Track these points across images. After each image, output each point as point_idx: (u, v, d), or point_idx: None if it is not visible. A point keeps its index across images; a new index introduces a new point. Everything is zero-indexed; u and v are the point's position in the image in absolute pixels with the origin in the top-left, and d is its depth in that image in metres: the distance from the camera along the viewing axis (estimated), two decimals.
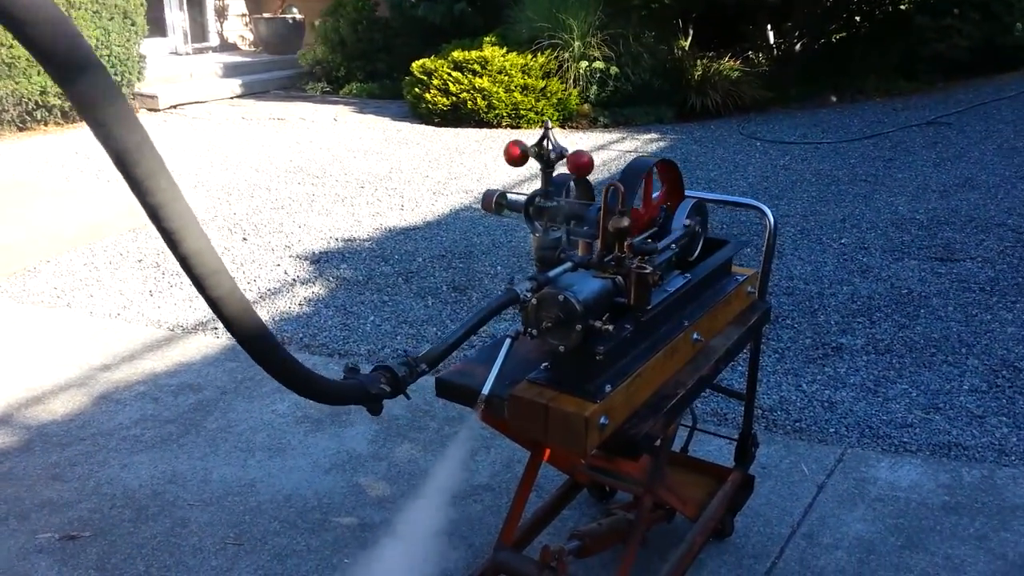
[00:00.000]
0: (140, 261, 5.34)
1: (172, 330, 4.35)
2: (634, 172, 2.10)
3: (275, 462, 3.17)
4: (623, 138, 8.80)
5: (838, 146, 8.02)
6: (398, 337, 4.24)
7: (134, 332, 4.33)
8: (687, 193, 2.39)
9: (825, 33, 10.92)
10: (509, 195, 1.81)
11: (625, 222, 1.54)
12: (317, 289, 4.85)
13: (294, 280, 4.98)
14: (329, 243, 5.61)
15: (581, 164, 1.66)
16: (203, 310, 4.59)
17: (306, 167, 7.68)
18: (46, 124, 9.60)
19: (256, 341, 1.16)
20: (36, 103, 9.31)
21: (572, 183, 2.28)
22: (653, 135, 8.85)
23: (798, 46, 10.63)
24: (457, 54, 9.52)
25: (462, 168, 7.58)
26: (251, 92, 12.02)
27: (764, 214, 2.46)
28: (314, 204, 6.50)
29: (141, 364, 3.95)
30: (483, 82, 9.20)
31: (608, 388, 1.69)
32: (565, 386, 1.70)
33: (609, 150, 8.24)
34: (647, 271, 1.53)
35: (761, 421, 3.43)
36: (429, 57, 9.90)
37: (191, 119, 10.25)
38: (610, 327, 1.58)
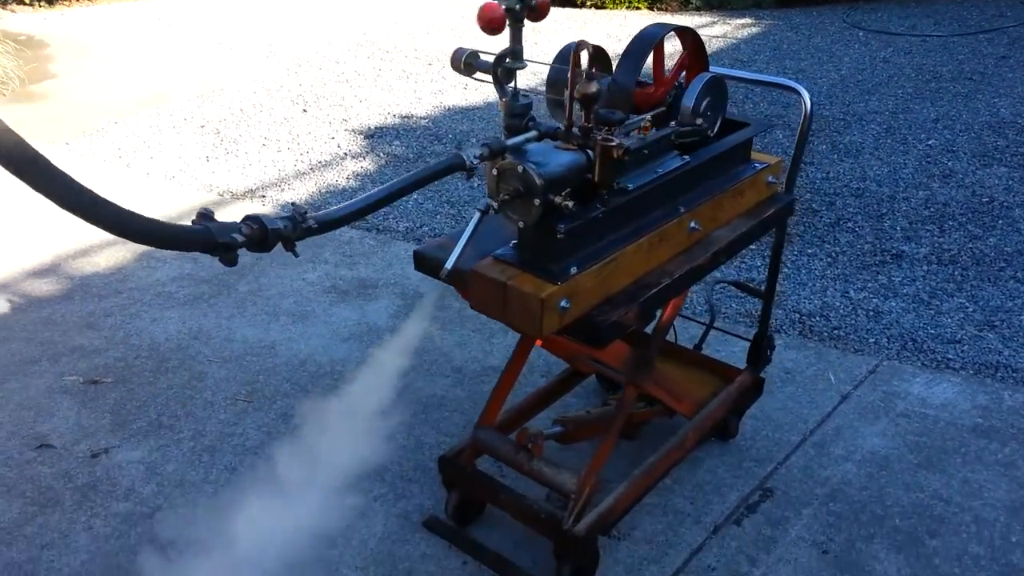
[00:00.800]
0: (202, 127, 5.41)
1: (222, 195, 4.42)
2: (642, 41, 1.92)
3: (297, 327, 3.22)
4: (714, 22, 8.26)
5: (948, 40, 7.32)
6: (438, 216, 4.19)
7: (185, 194, 4.41)
8: (711, 69, 2.19)
9: None
10: (481, 55, 1.67)
11: (593, 87, 1.40)
12: (367, 164, 4.82)
13: (345, 154, 4.95)
14: (386, 119, 5.53)
15: (489, 18, 1.49)
16: (254, 177, 4.63)
17: (378, 41, 7.53)
18: None
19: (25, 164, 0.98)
20: None
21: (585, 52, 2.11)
22: (747, 20, 8.27)
23: None
24: None
25: (535, 49, 7.28)
26: None
27: (799, 95, 2.23)
28: (379, 79, 6.40)
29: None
30: None
31: (573, 270, 1.58)
32: (528, 265, 1.60)
33: None
34: (612, 144, 1.39)
35: (797, 326, 3.26)
36: None
37: None
38: (570, 203, 1.47)
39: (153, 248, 3.95)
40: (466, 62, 1.64)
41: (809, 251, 3.83)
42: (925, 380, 2.93)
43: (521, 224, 1.55)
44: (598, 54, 2.14)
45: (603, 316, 1.64)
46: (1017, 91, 5.85)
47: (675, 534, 2.28)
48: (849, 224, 4.07)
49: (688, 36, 2.04)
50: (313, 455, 2.39)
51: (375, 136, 5.21)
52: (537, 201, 1.48)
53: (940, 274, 3.61)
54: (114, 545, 2.23)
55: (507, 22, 1.52)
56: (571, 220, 1.52)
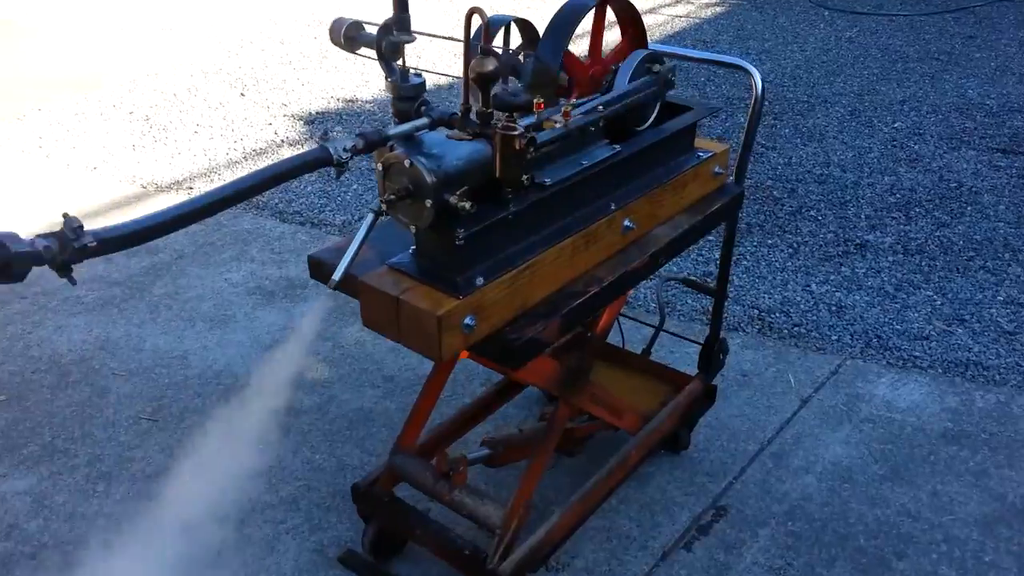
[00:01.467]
0: (131, 113, 5.07)
1: (145, 187, 4.11)
2: (566, 14, 1.68)
3: (214, 334, 2.95)
4: (677, 1, 8.02)
5: (915, 19, 7.15)
6: None
7: (106, 187, 4.10)
8: (651, 46, 1.95)
9: None
10: (366, 26, 1.42)
11: (489, 66, 1.16)
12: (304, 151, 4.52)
13: (283, 141, 4.65)
14: (329, 103, 5.23)
15: None
16: (181, 168, 4.33)
17: (326, 21, 7.18)
18: None
19: None
20: None
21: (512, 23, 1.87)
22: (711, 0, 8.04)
23: None
24: None
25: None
26: None
27: (749, 75, 2.01)
28: (324, 61, 6.08)
29: (103, 222, 3.66)
30: None
31: (480, 281, 1.35)
32: (427, 275, 1.36)
33: (658, 14, 7.51)
34: (513, 132, 1.15)
35: (756, 323, 3.06)
36: None
37: None
38: (467, 204, 1.23)
39: None
40: (346, 35, 1.39)
41: (769, 242, 3.63)
42: (891, 380, 2.74)
43: (413, 229, 1.31)
44: (525, 28, 1.90)
45: (517, 333, 1.41)
46: (984, 72, 5.69)
47: (620, 563, 2.06)
48: (811, 212, 3.88)
49: (620, 7, 1.80)
50: (218, 480, 2.15)
51: (315, 122, 4.92)
52: (428, 202, 1.23)
53: (906, 265, 3.42)
54: None
55: None
56: (472, 224, 1.28)
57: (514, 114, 1.17)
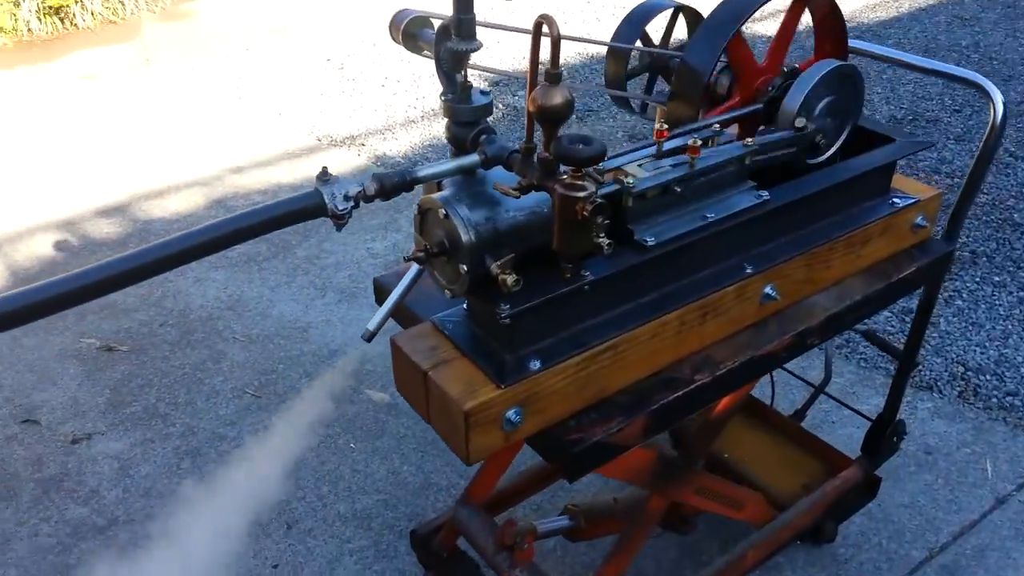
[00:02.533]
0: (328, 60, 5.09)
1: (319, 140, 4.08)
2: (735, 4, 1.28)
3: (340, 308, 2.82)
4: None
5: None
6: None
7: (283, 136, 4.11)
8: (854, 44, 1.51)
9: None
10: (435, 21, 1.09)
11: (557, 98, 0.82)
12: None
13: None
14: (520, 62, 4.97)
15: None
16: (359, 122, 4.26)
17: None
18: None
19: None
20: None
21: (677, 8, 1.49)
22: None
23: None
24: None
25: None
26: None
27: (988, 96, 1.49)
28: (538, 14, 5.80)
29: (271, 172, 3.73)
30: None
31: (534, 365, 1.02)
32: (471, 345, 1.06)
33: None
34: (578, 195, 0.81)
35: (957, 383, 2.48)
36: None
37: None
38: (511, 279, 0.90)
39: (228, 194, 3.71)
40: (407, 31, 1.08)
41: (996, 279, 2.96)
42: None
43: (448, 293, 1.01)
44: (694, 21, 1.51)
45: (580, 433, 1.08)
46: None
47: None
48: None
49: (819, 3, 1.37)
50: (297, 479, 2.01)
51: (502, 83, 4.68)
52: (464, 267, 0.93)
53: None
54: (50, 563, 1.95)
55: None
56: (521, 300, 0.96)
57: (590, 167, 0.82)
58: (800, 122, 1.22)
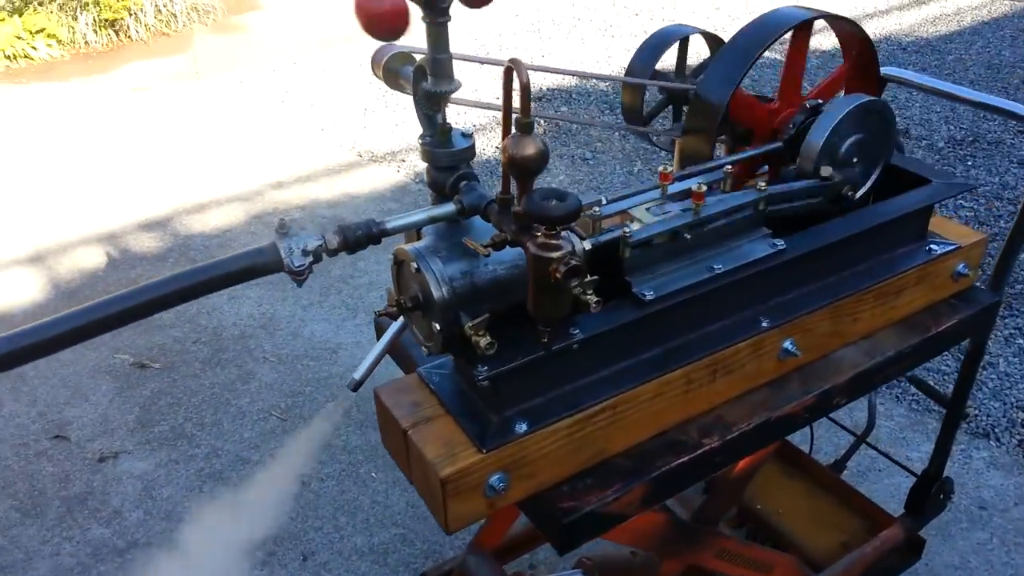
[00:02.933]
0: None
1: (360, 155, 4.07)
2: (757, 31, 1.20)
3: (371, 329, 2.79)
4: None
5: None
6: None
7: (324, 151, 4.12)
8: (888, 72, 1.42)
9: None
10: (418, 57, 1.04)
11: (528, 149, 0.75)
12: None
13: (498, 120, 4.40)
14: (563, 79, 4.90)
15: (372, 13, 0.82)
16: (400, 138, 4.25)
17: None
18: None
19: None
20: None
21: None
22: None
23: None
24: None
25: (767, 3, 6.24)
26: None
27: None
28: (573, 31, 5.74)
29: (311, 188, 3.74)
30: None
31: (521, 427, 0.96)
32: (455, 403, 1.00)
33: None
34: (551, 256, 0.74)
35: (1017, 432, 2.32)
36: None
37: None
38: (484, 341, 0.84)
39: (267, 210, 3.71)
40: (387, 68, 1.03)
41: None
42: None
43: (425, 350, 0.95)
44: (716, 47, 1.43)
45: (572, 501, 1.00)
46: None
47: None
48: None
49: (847, 30, 1.28)
50: (314, 508, 1.97)
51: (543, 98, 4.62)
52: (436, 325, 0.87)
53: None
54: None
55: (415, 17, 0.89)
56: (499, 363, 0.89)
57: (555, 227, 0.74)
58: (826, 171, 1.13)
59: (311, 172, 3.90)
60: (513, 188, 0.84)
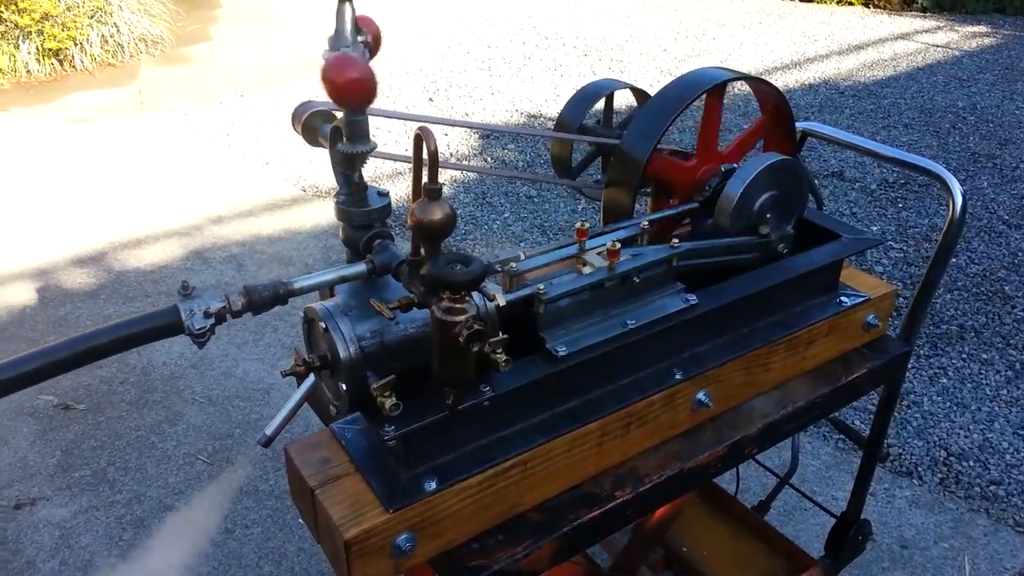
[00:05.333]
0: None
1: (304, 190, 4.05)
2: (677, 91, 1.24)
3: None
4: (938, 28, 6.97)
5: None
6: (523, 244, 3.59)
7: (268, 185, 4.09)
8: (805, 127, 1.47)
9: None
10: (336, 114, 1.05)
11: (436, 213, 0.76)
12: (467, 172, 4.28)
13: (451, 154, 4.44)
14: (512, 116, 4.96)
15: (342, 82, 0.84)
16: None
17: (540, 26, 6.94)
18: None
19: None
20: None
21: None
22: (980, 28, 6.91)
23: None
24: None
25: (711, 44, 6.42)
26: None
27: (947, 188, 1.43)
28: (523, 70, 5.82)
29: (252, 223, 3.70)
30: None
31: (430, 485, 0.95)
32: (365, 460, 0.99)
33: (911, 41, 6.55)
34: (454, 319, 0.75)
35: (939, 469, 2.39)
36: None
37: None
38: (390, 403, 0.84)
39: (206, 246, 3.66)
40: (307, 125, 1.04)
41: (984, 356, 2.87)
42: None
43: (333, 410, 0.94)
44: (642, 100, 1.48)
45: (480, 559, 1.00)
46: None
47: None
48: None
49: (763, 89, 1.32)
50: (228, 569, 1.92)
51: (491, 136, 4.67)
52: (343, 386, 0.86)
53: None
54: None
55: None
56: (405, 423, 0.89)
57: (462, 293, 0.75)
58: (764, 229, 1.17)
59: (253, 207, 3.86)
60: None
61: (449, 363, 0.80)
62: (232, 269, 3.31)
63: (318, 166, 4.31)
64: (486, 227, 3.69)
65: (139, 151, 4.45)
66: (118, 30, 5.79)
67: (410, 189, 1.10)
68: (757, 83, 1.33)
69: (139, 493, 2.25)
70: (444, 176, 4.19)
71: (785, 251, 1.26)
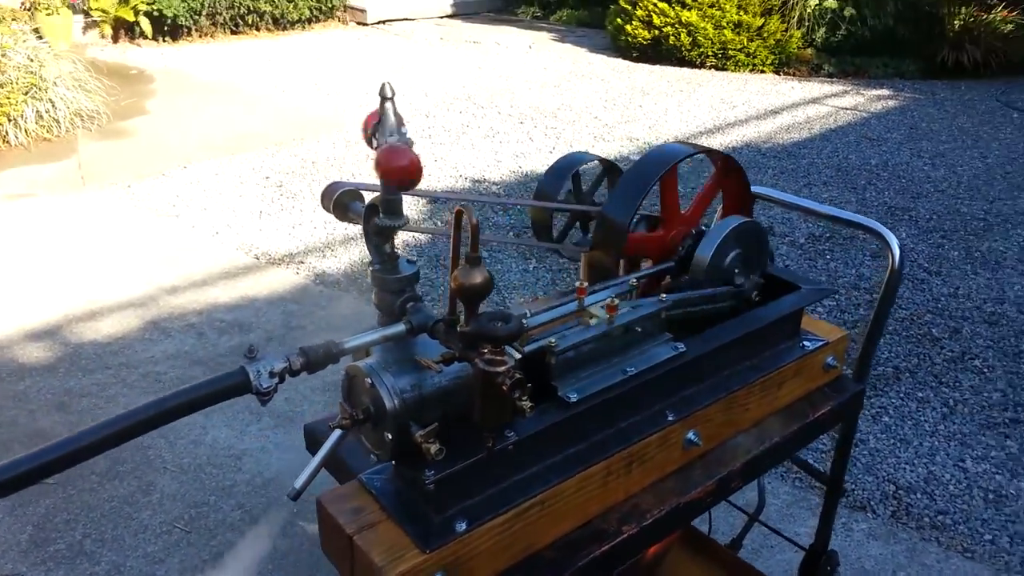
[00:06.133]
0: (267, 178, 5.16)
1: (258, 258, 4.10)
2: (649, 164, 1.38)
3: (276, 434, 2.78)
4: (845, 92, 7.48)
5: None
6: (532, 287, 3.71)
7: (220, 255, 4.12)
8: (757, 191, 1.62)
9: None
10: (363, 193, 1.17)
11: (477, 278, 0.87)
12: (417, 235, 4.40)
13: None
14: (457, 181, 5.11)
15: (395, 168, 0.96)
16: (299, 240, 4.30)
17: (475, 96, 7.19)
18: (256, 29, 9.83)
19: None
20: (248, 8, 9.53)
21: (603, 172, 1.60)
22: (884, 91, 7.44)
23: None
24: None
25: (638, 112, 6.75)
26: (462, 13, 11.69)
27: (886, 243, 1.60)
28: (463, 137, 6.02)
29: (208, 292, 3.72)
30: (690, 15, 8.15)
31: (461, 526, 1.03)
32: (397, 507, 1.07)
33: (822, 104, 7.01)
34: (497, 370, 0.85)
35: (890, 503, 2.54)
36: None
37: (392, 36, 10.10)
38: (435, 448, 0.93)
39: (163, 316, 3.66)
40: (338, 203, 1.14)
41: (920, 395, 3.08)
42: None
43: (375, 458, 1.03)
44: (611, 173, 1.62)
45: None
46: None
47: None
48: (976, 362, 3.28)
49: (721, 161, 1.47)
50: None
51: (437, 202, 4.80)
52: (388, 435, 0.95)
53: None
54: None
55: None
56: (445, 466, 0.98)
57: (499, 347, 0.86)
58: (740, 279, 1.31)
59: (207, 276, 3.88)
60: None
61: (490, 409, 0.90)
62: (192, 338, 3.32)
63: (268, 234, 4.36)
64: (442, 288, 3.78)
65: (85, 224, 4.43)
66: (53, 105, 5.77)
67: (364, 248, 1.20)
68: (716, 154, 1.49)
69: (119, 564, 2.23)
70: (398, 240, 4.29)
71: (757, 298, 1.40)
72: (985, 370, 3.23)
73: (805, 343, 1.47)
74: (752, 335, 1.35)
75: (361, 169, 5.34)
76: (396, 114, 1.03)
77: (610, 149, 5.76)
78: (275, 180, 5.12)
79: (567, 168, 1.58)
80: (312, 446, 1.38)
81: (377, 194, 1.01)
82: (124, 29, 8.88)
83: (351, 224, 1.17)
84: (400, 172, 0.99)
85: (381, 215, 1.00)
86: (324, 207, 1.17)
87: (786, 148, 5.83)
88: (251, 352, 0.90)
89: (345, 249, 4.21)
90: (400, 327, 0.99)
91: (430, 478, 0.97)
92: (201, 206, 4.72)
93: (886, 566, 2.30)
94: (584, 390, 1.13)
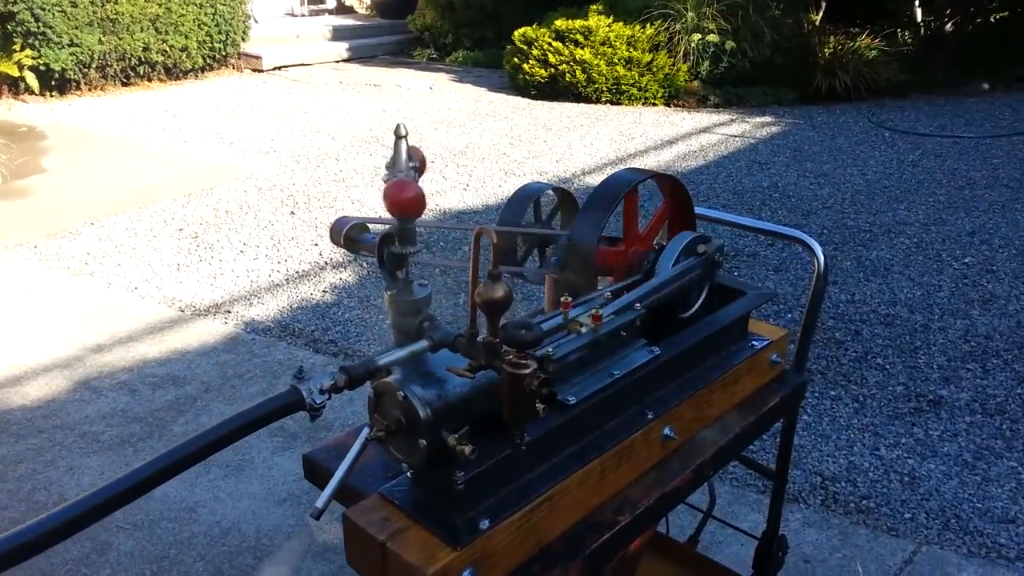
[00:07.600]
0: (181, 230, 5.10)
1: (183, 311, 4.04)
2: (608, 189, 1.52)
3: (228, 483, 2.77)
4: (732, 120, 7.97)
5: (981, 142, 6.93)
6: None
7: (143, 310, 4.05)
8: (699, 211, 1.79)
9: (984, 12, 9.55)
10: (370, 226, 1.27)
11: (499, 292, 0.98)
12: (346, 275, 4.44)
13: (326, 263, 4.59)
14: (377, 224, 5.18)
15: (400, 200, 1.09)
16: (223, 290, 4.27)
17: (383, 137, 7.29)
18: (149, 80, 9.66)
19: None
20: (139, 59, 9.36)
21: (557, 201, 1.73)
22: (767, 118, 7.97)
23: (950, 25, 9.34)
24: (560, 23, 8.87)
25: (544, 147, 7.00)
26: (358, 56, 11.81)
27: (812, 251, 1.81)
28: (376, 178, 6.10)
29: (135, 348, 3.65)
30: (584, 53, 8.53)
31: (484, 524, 1.13)
32: (423, 512, 1.15)
33: (712, 133, 7.45)
34: (524, 372, 0.97)
35: (819, 493, 2.75)
36: (534, 25, 9.29)
37: (290, 81, 10.10)
38: (468, 448, 1.03)
39: (92, 375, 3.59)
40: (348, 236, 1.24)
41: (832, 393, 3.34)
42: (973, 575, 2.39)
43: (406, 467, 1.11)
44: (565, 199, 1.76)
45: None
46: None
47: None
48: (878, 360, 3.59)
49: (668, 184, 1.64)
50: None
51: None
52: (423, 442, 1.04)
53: (986, 427, 3.09)
54: None
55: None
56: (474, 466, 1.08)
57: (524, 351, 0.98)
58: (701, 248, 1.46)
59: (132, 332, 3.81)
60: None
61: (519, 408, 1.01)
62: (125, 395, 3.26)
63: (190, 286, 4.31)
64: (376, 328, 3.84)
65: None
66: None
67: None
68: (664, 178, 1.65)
69: None
70: (325, 283, 4.32)
71: (721, 260, 1.56)
72: (887, 366, 3.53)
73: (754, 343, 1.64)
74: (713, 337, 1.51)
75: (276, 214, 5.34)
76: (407, 150, 1.14)
77: (521, 183, 5.95)
78: (189, 231, 5.06)
79: (527, 197, 1.71)
80: (311, 474, 1.44)
81: (380, 224, 1.11)
82: (7, 85, 8.57)
83: (363, 255, 1.27)
84: (407, 203, 1.10)
85: (396, 243, 1.10)
86: (333, 241, 1.26)
87: (685, 175, 6.18)
88: (300, 373, 0.98)
89: (272, 296, 4.21)
90: (423, 343, 1.09)
91: (461, 479, 1.07)
92: (115, 262, 4.61)
93: (823, 549, 2.49)
94: (579, 393, 1.25)
